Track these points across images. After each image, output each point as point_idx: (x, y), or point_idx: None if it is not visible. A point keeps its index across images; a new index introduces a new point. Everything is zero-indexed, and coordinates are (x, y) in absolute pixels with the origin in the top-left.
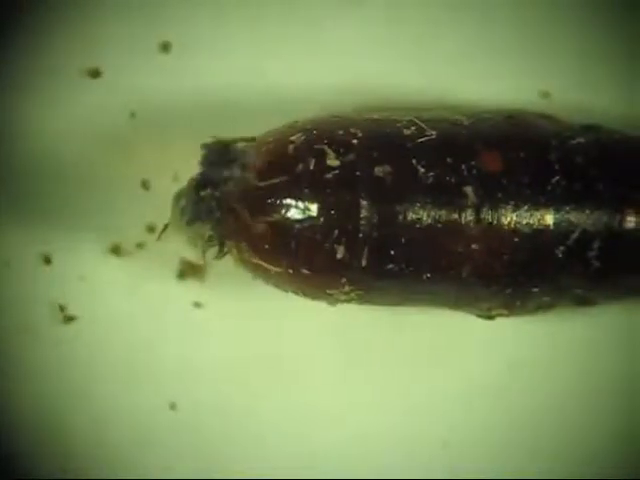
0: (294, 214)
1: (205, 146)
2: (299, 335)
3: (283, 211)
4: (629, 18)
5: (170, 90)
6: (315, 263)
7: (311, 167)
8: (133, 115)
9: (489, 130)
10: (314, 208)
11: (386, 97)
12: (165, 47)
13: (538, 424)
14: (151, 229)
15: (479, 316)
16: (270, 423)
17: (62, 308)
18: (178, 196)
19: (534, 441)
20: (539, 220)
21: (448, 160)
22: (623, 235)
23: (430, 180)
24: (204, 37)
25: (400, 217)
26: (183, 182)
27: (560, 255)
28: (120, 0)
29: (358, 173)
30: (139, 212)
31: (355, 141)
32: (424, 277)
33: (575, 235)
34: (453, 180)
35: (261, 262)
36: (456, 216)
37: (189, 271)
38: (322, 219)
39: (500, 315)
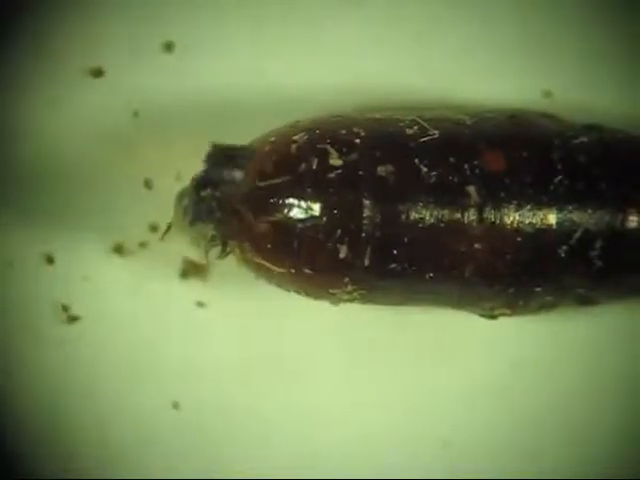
0: (297, 214)
1: (208, 147)
2: (302, 335)
3: (286, 211)
4: (631, 18)
5: (173, 90)
6: (318, 263)
7: (314, 167)
8: (136, 114)
9: (492, 129)
10: (317, 208)
11: (387, 97)
12: (168, 47)
13: (541, 424)
14: (154, 228)
15: (482, 316)
16: (273, 423)
17: (65, 308)
18: (180, 196)
19: (537, 441)
20: (542, 220)
21: (451, 159)
22: (625, 234)
23: (433, 179)
24: (206, 37)
25: (403, 216)
26: (186, 181)
27: (563, 255)
28: (123, 0)
29: (361, 172)
30: (142, 211)
31: (358, 140)
32: (427, 277)
33: (578, 235)
34: (456, 179)
35: (264, 262)
36: (459, 215)
37: (192, 271)
38: (325, 219)
39: (503, 315)
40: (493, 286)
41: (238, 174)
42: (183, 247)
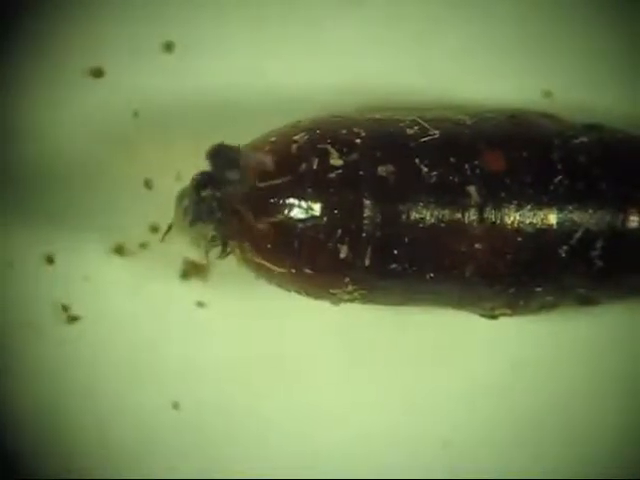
0: (297, 214)
1: (210, 148)
2: (302, 335)
3: (286, 211)
4: (632, 17)
5: (173, 90)
6: (318, 263)
7: (314, 167)
8: (136, 115)
9: (492, 130)
10: (317, 208)
11: (387, 97)
12: (168, 47)
13: (541, 424)
14: (154, 229)
15: (482, 316)
16: (273, 423)
17: (65, 308)
18: (181, 196)
19: (537, 441)
20: (542, 220)
21: (451, 160)
22: (626, 234)
23: (433, 179)
24: (206, 37)
25: (403, 216)
26: (186, 181)
27: (563, 255)
28: (123, 0)
29: (361, 172)
30: (142, 212)
31: (358, 141)
32: (427, 277)
33: (578, 235)
34: (456, 179)
35: (264, 262)
36: (459, 215)
37: (192, 271)
38: (325, 219)
39: (503, 315)
40: (494, 286)
41: (238, 174)
42: (183, 247)
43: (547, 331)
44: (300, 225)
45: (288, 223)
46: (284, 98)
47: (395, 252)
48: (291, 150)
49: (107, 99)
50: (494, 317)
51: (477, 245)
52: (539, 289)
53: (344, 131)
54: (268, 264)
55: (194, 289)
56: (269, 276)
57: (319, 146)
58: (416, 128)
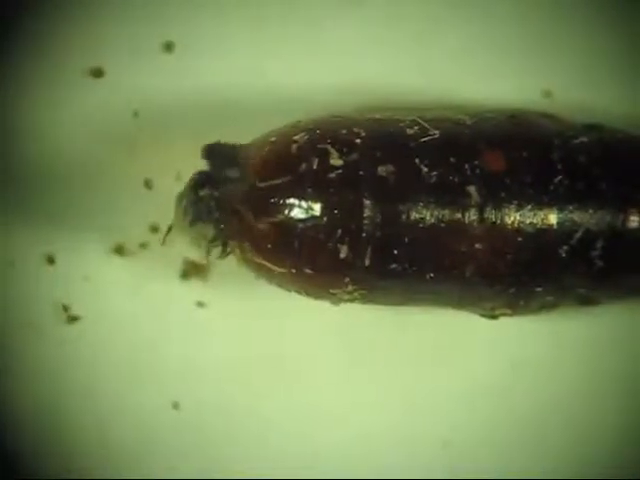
0: (297, 214)
1: (206, 147)
2: (302, 335)
3: (286, 211)
4: (632, 17)
5: (173, 90)
6: (318, 263)
7: (314, 167)
8: (136, 115)
9: (492, 129)
10: (317, 208)
11: (387, 97)
12: (168, 47)
13: (541, 424)
14: (154, 229)
15: (483, 316)
16: (273, 423)
17: (66, 308)
18: (181, 196)
19: (537, 441)
20: (542, 220)
21: (451, 159)
22: (626, 235)
23: (433, 179)
24: (206, 37)
25: (403, 217)
26: (186, 181)
27: (563, 255)
28: (123, 0)
29: (361, 173)
30: (142, 212)
31: (358, 141)
32: (427, 277)
33: (578, 235)
34: (456, 179)
35: (264, 262)
36: (459, 216)
37: (192, 271)
38: (325, 219)
39: (504, 314)
40: (494, 286)
41: (237, 172)
42: (183, 247)
43: (547, 331)
44: (300, 225)
45: (288, 223)
46: (284, 98)
47: (395, 252)
48: (291, 150)
49: (107, 99)
50: (494, 317)
51: (477, 245)
52: (539, 289)
53: (344, 131)
54: (268, 264)
55: (194, 289)
56: (269, 276)
57: (319, 146)
58: (416, 128)
